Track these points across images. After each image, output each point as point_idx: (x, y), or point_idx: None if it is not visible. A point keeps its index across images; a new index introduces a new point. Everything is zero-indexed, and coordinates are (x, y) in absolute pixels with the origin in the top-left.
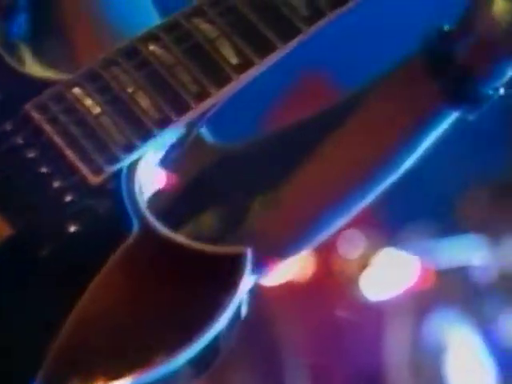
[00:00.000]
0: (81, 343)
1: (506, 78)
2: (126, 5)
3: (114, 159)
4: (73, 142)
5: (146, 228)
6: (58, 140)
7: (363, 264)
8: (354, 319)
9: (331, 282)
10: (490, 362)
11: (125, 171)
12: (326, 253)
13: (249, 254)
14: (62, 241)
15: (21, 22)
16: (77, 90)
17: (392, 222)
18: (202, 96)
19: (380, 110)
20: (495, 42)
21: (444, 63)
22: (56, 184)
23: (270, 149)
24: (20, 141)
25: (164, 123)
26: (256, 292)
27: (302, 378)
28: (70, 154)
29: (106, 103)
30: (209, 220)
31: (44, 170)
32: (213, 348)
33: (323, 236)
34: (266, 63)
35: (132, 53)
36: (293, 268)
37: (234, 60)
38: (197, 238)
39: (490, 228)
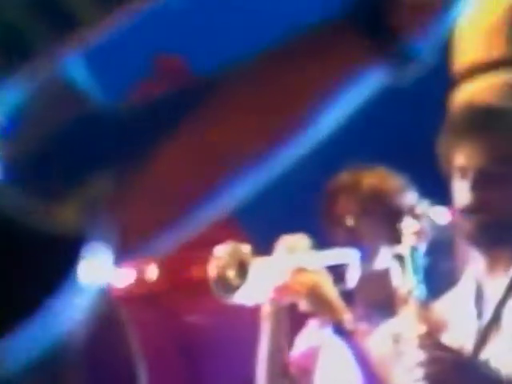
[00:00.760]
0: None
1: (435, 37)
2: None
3: None
4: None
5: None
6: None
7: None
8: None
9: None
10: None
11: None
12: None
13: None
14: None
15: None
16: None
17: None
18: None
19: (294, 70)
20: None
21: (372, 23)
22: None
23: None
24: None
25: None
26: (107, 294)
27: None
28: None
29: None
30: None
31: None
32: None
33: (195, 224)
34: None
35: None
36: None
37: None
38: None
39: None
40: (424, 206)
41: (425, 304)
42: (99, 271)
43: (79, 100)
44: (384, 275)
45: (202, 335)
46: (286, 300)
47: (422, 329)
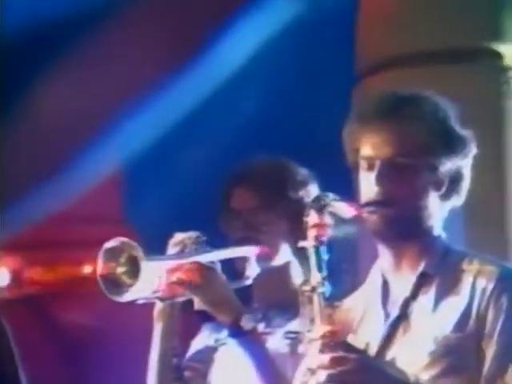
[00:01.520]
0: None
1: None
2: None
3: None
4: None
5: None
6: None
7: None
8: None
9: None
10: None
11: None
12: None
13: None
14: None
15: None
16: None
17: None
18: None
19: None
20: None
21: None
22: None
23: None
24: None
25: None
26: None
27: None
28: None
29: None
30: None
31: None
32: None
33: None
34: None
35: None
36: None
37: None
38: None
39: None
40: (328, 199)
41: (330, 302)
42: None
43: None
44: (284, 273)
45: (90, 335)
46: (179, 298)
47: (326, 328)
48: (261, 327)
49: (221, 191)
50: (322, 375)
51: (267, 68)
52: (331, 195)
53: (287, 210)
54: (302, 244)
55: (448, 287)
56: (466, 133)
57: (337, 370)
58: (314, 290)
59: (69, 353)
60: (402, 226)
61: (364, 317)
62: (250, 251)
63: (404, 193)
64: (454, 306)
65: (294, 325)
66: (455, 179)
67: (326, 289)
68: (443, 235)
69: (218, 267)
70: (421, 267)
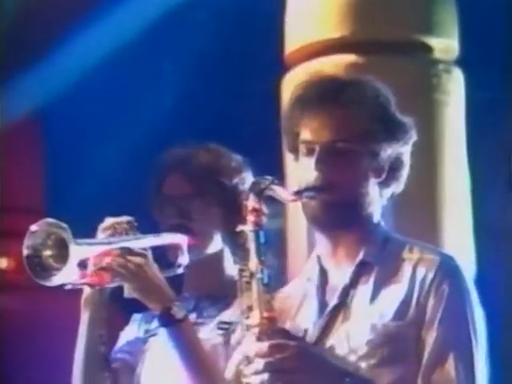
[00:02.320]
0: None
1: None
2: None
3: None
4: None
5: None
6: None
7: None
8: None
9: None
10: None
11: None
12: None
13: None
14: None
15: None
16: None
17: None
18: None
19: None
20: None
21: None
22: None
23: None
24: None
25: None
26: None
27: None
28: None
29: None
30: None
31: None
32: None
33: None
34: None
35: None
36: None
37: None
38: None
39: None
40: (267, 183)
41: (268, 288)
42: None
43: None
44: (216, 262)
45: (12, 322)
46: (109, 285)
47: (264, 315)
48: (192, 317)
49: (152, 177)
50: (260, 363)
51: (194, 55)
52: (270, 179)
53: (221, 197)
54: (240, 228)
55: (388, 276)
56: (406, 120)
57: (275, 357)
58: (252, 275)
59: None
60: (341, 213)
61: (302, 304)
62: (181, 239)
63: (344, 178)
64: (394, 294)
65: (226, 315)
66: (395, 166)
67: (265, 274)
68: (382, 223)
69: (150, 255)
70: (360, 255)
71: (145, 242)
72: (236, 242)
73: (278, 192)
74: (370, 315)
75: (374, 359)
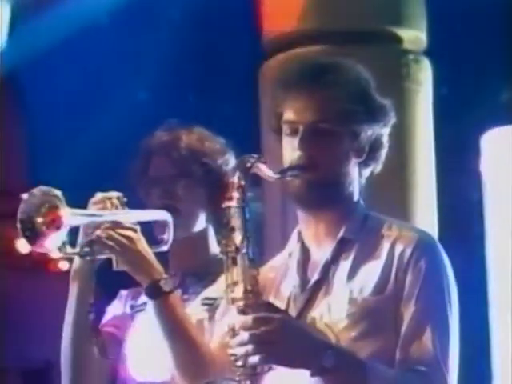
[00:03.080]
0: None
1: None
2: None
3: None
4: None
5: None
6: None
7: None
8: None
9: None
10: None
11: None
12: None
13: None
14: None
15: None
16: None
17: None
18: None
19: None
20: None
21: None
22: None
23: None
24: None
25: None
26: None
27: None
28: None
29: None
30: None
31: None
32: None
33: None
34: None
35: None
36: None
37: None
38: None
39: None
40: (253, 160)
41: (253, 263)
42: None
43: None
44: (201, 240)
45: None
46: (98, 256)
47: (249, 288)
48: (178, 294)
49: (138, 160)
50: (245, 335)
51: (175, 38)
52: (257, 156)
53: (206, 178)
54: (226, 205)
55: (367, 252)
56: (386, 102)
57: (260, 329)
58: (237, 250)
59: None
60: (323, 192)
61: (284, 279)
62: (168, 216)
63: (326, 158)
64: (373, 269)
65: (210, 291)
66: (375, 147)
67: (250, 249)
68: (361, 201)
69: (138, 229)
70: (341, 233)
71: (134, 216)
72: (220, 222)
73: (263, 170)
74: (350, 290)
75: (354, 332)
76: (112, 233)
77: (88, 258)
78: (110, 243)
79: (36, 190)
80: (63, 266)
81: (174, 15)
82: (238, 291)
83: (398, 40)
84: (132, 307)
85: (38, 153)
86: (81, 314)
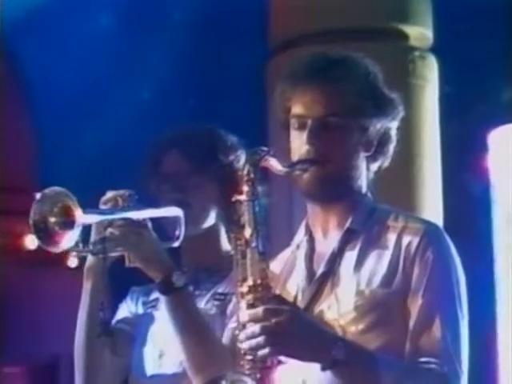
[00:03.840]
0: None
1: None
2: None
3: None
4: None
5: None
6: None
7: None
8: None
9: None
10: None
11: None
12: None
13: None
14: None
15: None
16: None
17: None
18: None
19: None
20: None
21: None
22: None
23: None
24: None
25: None
26: None
27: None
28: None
29: None
30: None
31: None
32: None
33: None
34: None
35: None
36: None
37: None
38: None
39: None
40: (263, 154)
41: (263, 256)
42: None
43: None
44: (212, 236)
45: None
46: (111, 254)
47: (259, 282)
48: (190, 290)
49: (150, 156)
50: (255, 328)
51: (185, 35)
52: (266, 150)
53: (218, 173)
54: (236, 198)
55: (373, 242)
56: (394, 95)
57: (270, 321)
58: (247, 244)
59: None
60: (332, 185)
61: (292, 271)
62: (180, 212)
63: (335, 152)
64: (380, 261)
65: (222, 287)
66: (383, 141)
67: (260, 243)
68: (369, 194)
69: (150, 226)
70: (347, 224)
71: (145, 213)
72: (231, 218)
73: (273, 164)
74: (357, 281)
75: (361, 324)
76: (123, 230)
77: (100, 255)
78: (122, 240)
79: (48, 190)
80: (72, 262)
81: (183, 13)
82: (248, 285)
83: (404, 37)
84: (144, 303)
85: (47, 150)
86: (93, 311)
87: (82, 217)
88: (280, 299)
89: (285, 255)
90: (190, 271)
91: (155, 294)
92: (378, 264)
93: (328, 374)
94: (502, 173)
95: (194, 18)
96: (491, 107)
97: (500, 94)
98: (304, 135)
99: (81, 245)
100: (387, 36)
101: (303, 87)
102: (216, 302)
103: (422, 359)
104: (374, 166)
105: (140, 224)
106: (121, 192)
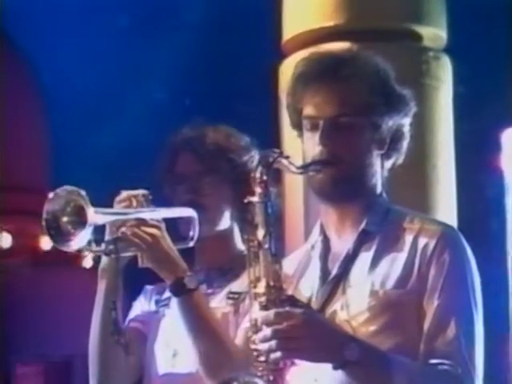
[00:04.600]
0: None
1: None
2: None
3: None
4: None
5: None
6: None
7: None
8: None
9: None
10: None
11: None
12: None
13: None
14: None
15: None
16: None
17: None
18: None
19: None
20: None
21: None
22: None
23: None
24: None
25: None
26: None
27: None
28: None
29: None
30: None
31: None
32: None
33: None
34: None
35: None
36: None
37: None
38: None
39: None
40: (276, 155)
41: (276, 258)
42: None
43: None
44: (226, 236)
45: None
46: (124, 254)
47: (272, 283)
48: (203, 288)
49: (164, 157)
50: (267, 331)
51: (197, 36)
52: (279, 152)
53: (231, 174)
54: (248, 200)
55: (389, 244)
56: (405, 92)
57: (283, 324)
58: (260, 245)
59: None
60: (346, 185)
61: (305, 271)
62: (194, 213)
63: (348, 152)
64: (395, 262)
65: (235, 285)
66: (396, 138)
67: (272, 244)
68: (384, 194)
69: (163, 226)
70: (362, 225)
71: (159, 214)
72: (244, 219)
73: (286, 165)
74: (371, 283)
75: (374, 325)
76: (136, 230)
77: (113, 255)
78: (135, 241)
79: (60, 190)
80: (87, 263)
81: (195, 15)
82: (261, 286)
83: (418, 37)
84: (157, 302)
85: (62, 151)
86: (107, 311)
87: (93, 216)
88: (293, 301)
89: (298, 255)
90: (204, 270)
91: (168, 293)
92: (393, 265)
93: (340, 373)
94: None
95: (206, 20)
96: (505, 107)
97: None
98: (316, 136)
99: (94, 244)
100: (401, 36)
101: (314, 88)
102: (229, 301)
103: (436, 361)
104: (388, 164)
105: (153, 225)
106: (135, 192)
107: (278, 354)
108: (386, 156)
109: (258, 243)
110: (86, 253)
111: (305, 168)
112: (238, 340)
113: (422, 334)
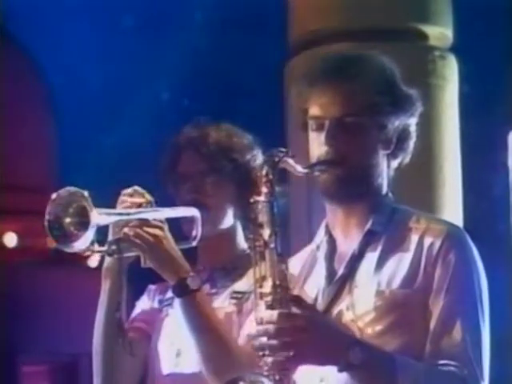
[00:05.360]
0: None
1: None
2: None
3: None
4: None
5: None
6: None
7: None
8: None
9: None
10: None
11: None
12: None
13: None
14: None
15: None
16: None
17: None
18: None
19: None
20: None
21: None
22: None
23: None
24: None
25: None
26: None
27: None
28: None
29: None
30: None
31: None
32: None
33: None
34: None
35: None
36: None
37: None
38: None
39: None
40: (281, 155)
41: (282, 257)
42: None
43: None
44: (229, 236)
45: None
46: (127, 254)
47: (277, 283)
48: (206, 288)
49: (167, 156)
50: (271, 330)
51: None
52: (284, 151)
53: (234, 173)
54: (254, 199)
55: (395, 244)
56: (412, 91)
57: (287, 325)
58: (266, 245)
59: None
60: (352, 185)
61: (311, 271)
62: (197, 212)
63: (354, 152)
64: (401, 262)
65: (239, 285)
66: (403, 137)
67: (278, 243)
68: (390, 194)
69: (166, 227)
70: (368, 225)
71: (162, 214)
72: (248, 217)
73: (292, 165)
74: (377, 282)
75: (380, 325)
76: (139, 231)
77: (115, 256)
78: (137, 241)
79: (63, 191)
80: (92, 262)
81: (203, 14)
82: (267, 286)
83: (424, 37)
84: (160, 302)
85: (67, 151)
86: (111, 311)
87: (96, 217)
88: (299, 302)
89: (303, 255)
90: (207, 269)
91: (171, 293)
92: (399, 265)
93: (346, 375)
94: None
95: (213, 19)
96: (511, 106)
97: None
98: (322, 136)
99: (96, 245)
100: (407, 36)
101: (319, 88)
102: (233, 301)
103: (442, 361)
104: (394, 163)
105: (156, 225)
106: (136, 192)
107: (281, 357)
108: (392, 156)
109: (263, 242)
110: (95, 253)
111: (310, 168)
112: (242, 340)
113: (428, 333)
